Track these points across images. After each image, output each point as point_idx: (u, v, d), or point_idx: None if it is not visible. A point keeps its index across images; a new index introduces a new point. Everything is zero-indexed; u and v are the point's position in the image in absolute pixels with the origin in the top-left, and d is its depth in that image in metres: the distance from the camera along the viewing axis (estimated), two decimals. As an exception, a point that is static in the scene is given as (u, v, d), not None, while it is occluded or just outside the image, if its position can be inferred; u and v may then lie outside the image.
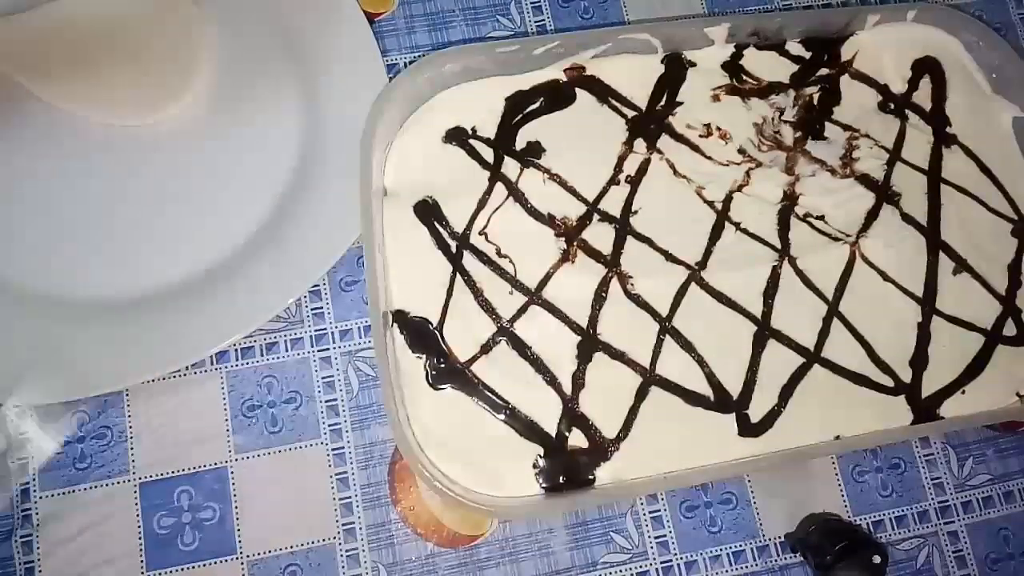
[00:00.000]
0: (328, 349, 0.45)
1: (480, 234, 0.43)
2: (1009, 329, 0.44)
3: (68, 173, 0.44)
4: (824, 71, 0.47)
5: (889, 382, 0.42)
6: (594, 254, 0.43)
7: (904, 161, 0.46)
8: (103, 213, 0.44)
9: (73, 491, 0.41)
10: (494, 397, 0.40)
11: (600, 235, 0.43)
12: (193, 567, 0.41)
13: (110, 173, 0.45)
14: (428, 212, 0.43)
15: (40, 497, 0.41)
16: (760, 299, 0.43)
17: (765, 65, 0.47)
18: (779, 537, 0.45)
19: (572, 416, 0.41)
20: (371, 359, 0.45)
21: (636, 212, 0.44)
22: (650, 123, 0.45)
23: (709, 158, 0.45)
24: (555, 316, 0.42)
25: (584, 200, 0.44)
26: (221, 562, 0.41)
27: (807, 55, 0.47)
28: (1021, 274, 0.45)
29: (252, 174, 0.45)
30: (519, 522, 0.43)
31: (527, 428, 0.40)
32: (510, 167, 0.44)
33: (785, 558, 0.44)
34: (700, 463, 0.40)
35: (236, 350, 0.44)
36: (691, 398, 0.41)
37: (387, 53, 0.48)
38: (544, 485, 0.40)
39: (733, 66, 0.46)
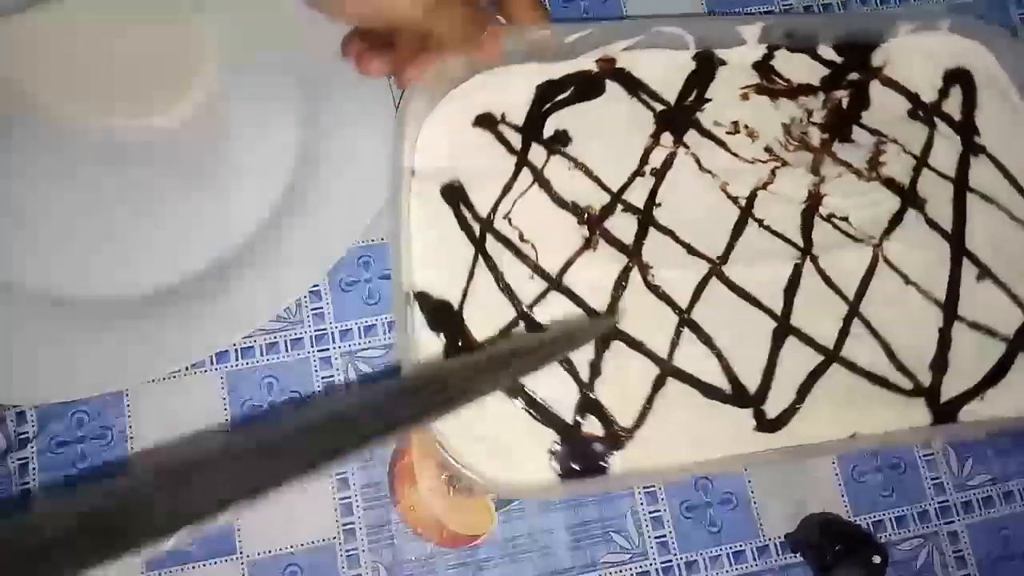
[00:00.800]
0: (328, 349, 0.45)
1: (504, 219, 0.43)
2: (1031, 338, 0.44)
3: (66, 174, 0.45)
4: (855, 76, 0.47)
5: (908, 384, 0.42)
6: (616, 243, 0.43)
7: (931, 168, 0.46)
8: (101, 214, 0.44)
9: (73, 491, 0.41)
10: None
11: (623, 225, 0.43)
12: (193, 567, 0.41)
13: (109, 174, 0.45)
14: (454, 195, 0.43)
15: (40, 497, 0.41)
16: (781, 296, 0.43)
17: (796, 67, 0.47)
18: (779, 537, 0.44)
19: (588, 403, 0.41)
20: (371, 359, 0.45)
21: (660, 204, 0.44)
22: (678, 118, 0.45)
23: (735, 155, 0.45)
24: (574, 303, 0.42)
25: (608, 190, 0.44)
26: (221, 562, 0.41)
27: (839, 60, 0.47)
28: (1046, 284, 0.45)
29: (252, 175, 0.45)
30: (534, 513, 0.43)
31: (543, 414, 0.40)
32: (537, 154, 0.44)
33: (785, 558, 0.44)
34: (715, 456, 0.40)
35: (236, 350, 0.44)
36: (708, 391, 0.41)
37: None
38: (559, 471, 0.40)
39: (764, 66, 0.46)
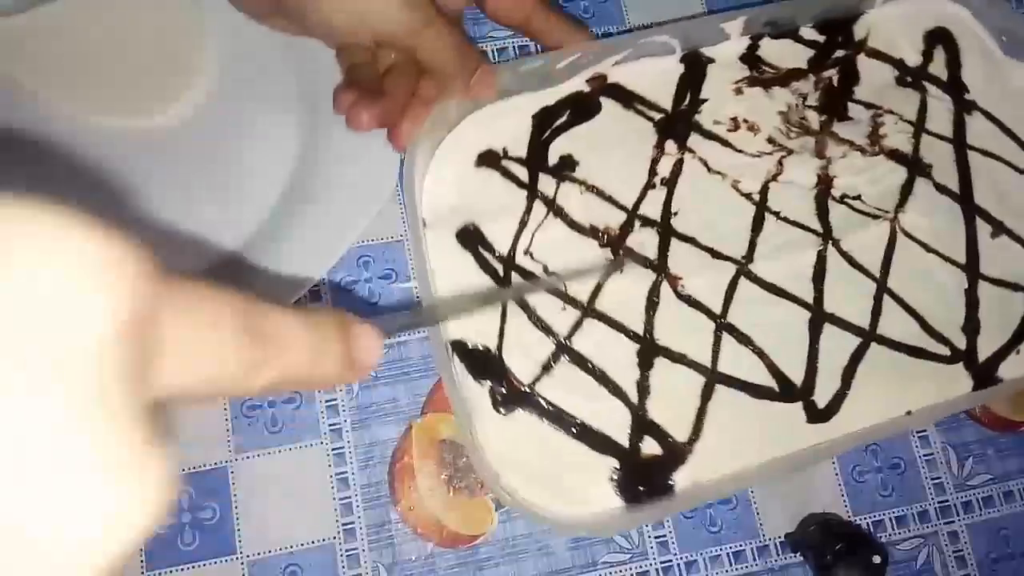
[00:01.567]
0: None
1: (525, 254, 0.43)
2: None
3: (65, 174, 0.44)
4: (840, 52, 0.47)
5: (946, 351, 0.43)
6: (641, 260, 0.43)
7: (929, 132, 0.46)
8: (100, 213, 0.43)
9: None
10: (562, 415, 0.40)
11: (644, 240, 0.43)
12: (193, 567, 0.41)
13: (108, 174, 0.44)
14: (470, 238, 0.43)
15: None
16: (810, 285, 0.43)
17: (781, 53, 0.47)
18: (779, 537, 0.45)
19: (642, 424, 0.41)
20: None
21: (676, 213, 0.44)
22: (677, 123, 0.45)
23: (740, 151, 0.45)
24: (611, 327, 0.42)
25: (623, 207, 0.44)
26: (221, 562, 0.41)
27: (821, 39, 0.47)
28: (1057, 227, 0.46)
29: (252, 174, 0.45)
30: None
31: (599, 442, 0.40)
32: (546, 183, 0.44)
33: (785, 558, 0.45)
34: (774, 455, 0.40)
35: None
36: (756, 391, 0.41)
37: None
38: (624, 497, 0.40)
39: (751, 57, 0.47)
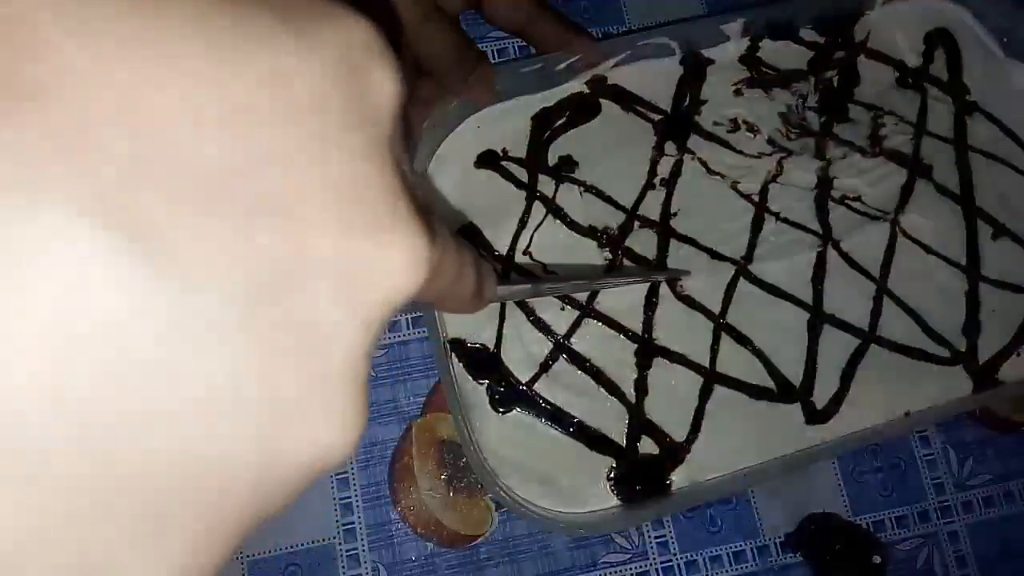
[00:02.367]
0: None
1: (524, 254, 0.43)
2: (1056, 286, 0.44)
3: None
4: (840, 53, 0.47)
5: (945, 353, 0.43)
6: (640, 260, 0.43)
7: (930, 133, 0.46)
8: None
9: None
10: (560, 414, 0.41)
11: (643, 241, 0.43)
12: None
13: None
14: (470, 238, 0.43)
15: None
16: (809, 285, 0.43)
17: (781, 54, 0.47)
18: (779, 537, 0.45)
19: (640, 424, 0.41)
20: (371, 359, 0.45)
21: (675, 214, 0.44)
22: (677, 124, 0.45)
23: (740, 152, 0.45)
24: (609, 326, 0.42)
25: (623, 208, 0.44)
26: None
27: (821, 40, 0.47)
28: (1059, 230, 0.45)
29: None
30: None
31: (597, 441, 0.40)
32: (545, 184, 0.44)
33: (785, 558, 0.44)
34: (772, 456, 0.40)
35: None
36: (755, 392, 0.41)
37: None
38: (621, 496, 0.40)
39: (751, 59, 0.47)
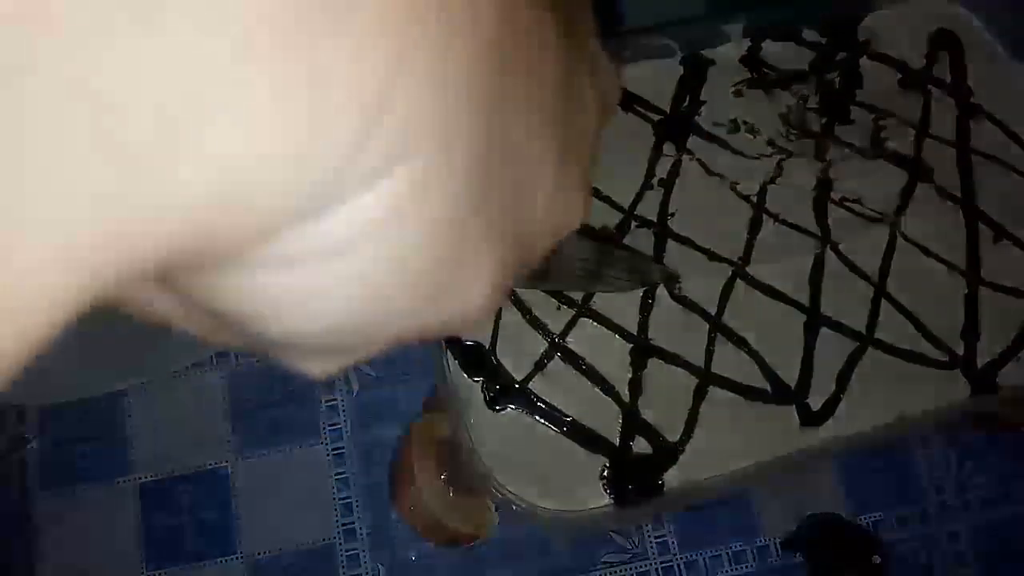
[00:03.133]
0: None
1: (521, 252, 0.43)
2: (1057, 291, 0.44)
3: None
4: (842, 55, 0.47)
5: (943, 356, 0.42)
6: (637, 260, 0.43)
7: (932, 136, 0.46)
8: None
9: (73, 491, 0.41)
10: (554, 412, 0.41)
11: (640, 241, 0.43)
12: (193, 567, 0.41)
13: None
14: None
15: (40, 497, 0.41)
16: (807, 287, 0.43)
17: (783, 55, 0.47)
18: (779, 537, 0.45)
19: (634, 423, 0.41)
20: (371, 359, 0.45)
21: (673, 214, 0.44)
22: (676, 125, 0.45)
23: (740, 153, 0.45)
24: (605, 326, 0.42)
25: (620, 208, 0.44)
26: (221, 562, 0.41)
27: (823, 41, 0.47)
28: (1061, 236, 0.45)
29: None
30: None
31: (590, 440, 0.40)
32: (543, 183, 0.44)
33: (785, 558, 0.44)
34: (766, 457, 0.40)
35: (236, 351, 0.44)
36: (750, 393, 0.41)
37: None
38: (614, 496, 0.40)
39: (752, 59, 0.46)
